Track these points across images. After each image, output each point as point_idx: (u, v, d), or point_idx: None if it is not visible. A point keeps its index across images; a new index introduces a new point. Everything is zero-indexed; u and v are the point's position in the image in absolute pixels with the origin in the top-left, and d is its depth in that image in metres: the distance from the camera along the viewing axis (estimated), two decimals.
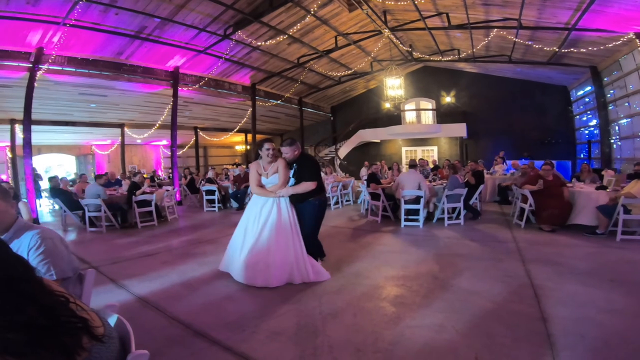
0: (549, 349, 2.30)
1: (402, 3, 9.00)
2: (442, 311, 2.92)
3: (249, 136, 17.19)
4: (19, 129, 10.29)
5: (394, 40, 11.66)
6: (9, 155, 11.73)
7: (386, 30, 10.57)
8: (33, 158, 8.26)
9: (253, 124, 13.81)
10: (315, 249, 4.06)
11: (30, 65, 7.75)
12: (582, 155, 12.89)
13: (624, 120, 9.69)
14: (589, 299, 3.03)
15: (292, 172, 3.95)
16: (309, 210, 3.90)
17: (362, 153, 17.43)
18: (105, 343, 1.11)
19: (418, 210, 6.37)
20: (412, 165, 7.09)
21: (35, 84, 7.83)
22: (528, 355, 2.26)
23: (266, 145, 3.86)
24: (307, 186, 3.76)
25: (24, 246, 1.63)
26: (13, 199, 1.95)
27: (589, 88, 11.62)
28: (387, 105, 15.66)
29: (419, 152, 17.47)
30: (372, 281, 3.73)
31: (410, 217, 6.44)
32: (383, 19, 10.29)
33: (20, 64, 7.77)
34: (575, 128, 13.50)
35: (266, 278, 3.59)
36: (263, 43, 10.13)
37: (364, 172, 10.94)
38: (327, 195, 4.21)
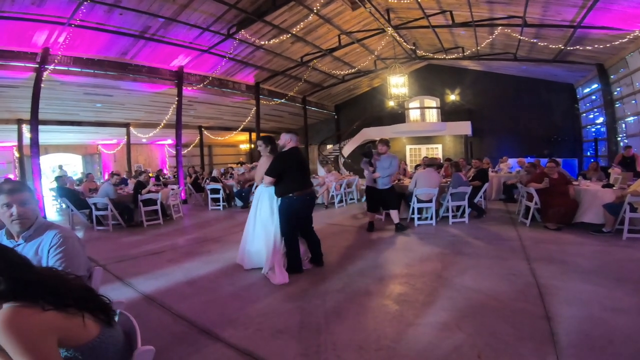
0: (553, 347, 2.29)
1: (405, 1, 8.96)
2: (446, 309, 2.92)
3: (253, 135, 17.22)
4: (26, 129, 10.42)
5: (398, 38, 11.61)
6: (17, 155, 11.87)
7: (389, 29, 10.53)
8: (40, 157, 8.34)
9: (257, 122, 13.85)
10: (291, 251, 3.95)
11: (37, 66, 7.82)
12: (588, 153, 12.77)
13: (631, 118, 9.59)
14: (594, 298, 3.01)
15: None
16: (280, 205, 3.99)
17: None
18: (114, 327, 1.30)
19: (427, 208, 6.35)
20: (431, 164, 6.92)
21: (42, 84, 7.91)
22: (532, 353, 2.25)
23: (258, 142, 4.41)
24: (264, 179, 4.01)
25: (44, 244, 1.67)
26: None
27: (595, 86, 11.50)
28: (391, 103, 15.61)
29: (424, 150, 17.39)
30: (375, 279, 3.73)
31: (420, 215, 6.44)
32: (386, 17, 10.24)
33: (27, 65, 7.84)
34: (582, 126, 13.37)
35: (242, 259, 4.21)
36: (266, 42, 10.14)
37: None
38: (310, 195, 4.08)
